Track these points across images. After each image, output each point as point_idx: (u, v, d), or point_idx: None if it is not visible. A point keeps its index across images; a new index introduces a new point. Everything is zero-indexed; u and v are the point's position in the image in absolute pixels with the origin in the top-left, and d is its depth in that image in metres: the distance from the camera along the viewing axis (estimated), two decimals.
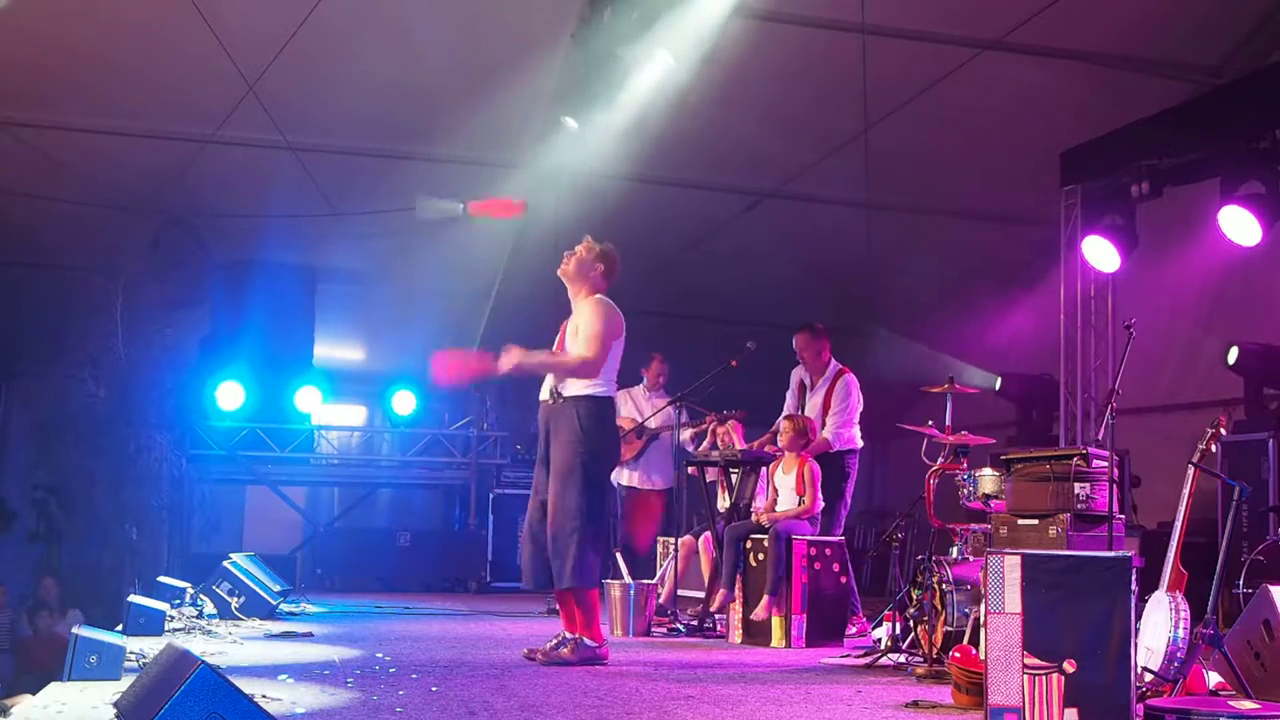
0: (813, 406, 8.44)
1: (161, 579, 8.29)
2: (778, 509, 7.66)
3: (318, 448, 13.70)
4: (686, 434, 9.29)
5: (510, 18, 9.92)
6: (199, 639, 6.84)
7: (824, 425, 8.30)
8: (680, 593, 8.65)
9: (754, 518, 7.71)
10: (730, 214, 12.31)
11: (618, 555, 8.33)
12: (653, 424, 9.75)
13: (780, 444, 7.86)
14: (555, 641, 6.28)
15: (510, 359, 6.19)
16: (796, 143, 11.32)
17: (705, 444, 9.02)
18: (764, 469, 8.05)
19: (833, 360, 8.56)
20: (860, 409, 8.42)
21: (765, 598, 7.32)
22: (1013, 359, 12.25)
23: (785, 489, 7.71)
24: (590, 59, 9.87)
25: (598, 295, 6.33)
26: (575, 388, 6.17)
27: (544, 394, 6.29)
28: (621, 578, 8.15)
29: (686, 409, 9.18)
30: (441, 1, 9.90)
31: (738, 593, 7.58)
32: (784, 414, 8.46)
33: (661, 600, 8.47)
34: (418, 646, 6.84)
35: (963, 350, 12.08)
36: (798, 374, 8.69)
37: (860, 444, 8.44)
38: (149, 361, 12.25)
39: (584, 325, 6.23)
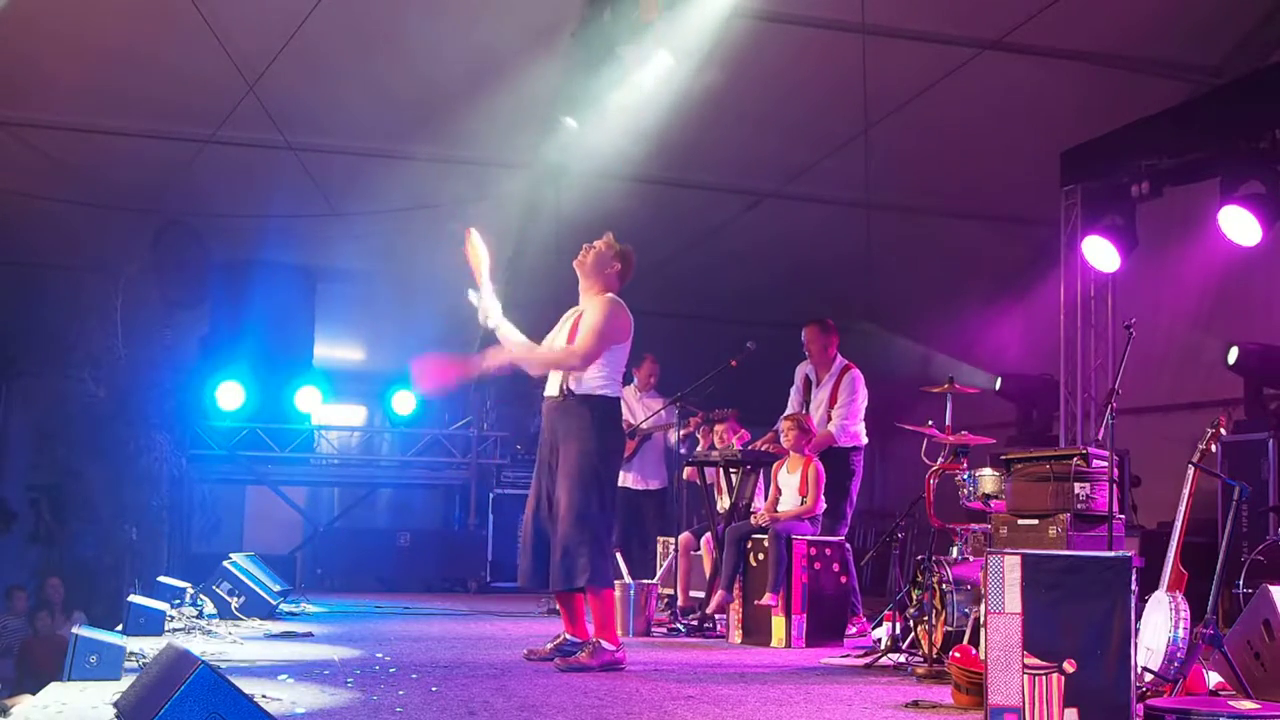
0: (818, 402, 8.45)
1: (161, 579, 8.28)
2: (779, 508, 7.66)
3: (318, 448, 13.71)
4: (673, 436, 9.30)
5: (510, 18, 9.93)
6: (199, 639, 6.83)
7: (829, 420, 8.30)
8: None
9: (753, 518, 7.71)
10: (730, 214, 12.31)
11: (617, 555, 8.32)
12: (646, 425, 9.75)
13: (784, 444, 7.84)
14: (556, 643, 6.24)
15: (497, 358, 6.16)
16: (796, 143, 11.33)
17: (703, 444, 9.02)
18: (763, 469, 8.06)
19: (839, 356, 8.56)
20: (866, 404, 8.43)
21: (768, 593, 7.33)
22: (1013, 359, 12.25)
23: (789, 488, 7.70)
24: (590, 59, 9.87)
25: (610, 294, 6.26)
26: (587, 386, 6.10)
27: (551, 390, 6.19)
28: (621, 578, 8.15)
29: (679, 409, 9.18)
30: (441, 1, 9.91)
31: (736, 592, 7.58)
32: (787, 412, 8.44)
33: (681, 604, 8.47)
34: (418, 646, 6.84)
35: (963, 350, 12.09)
36: (803, 369, 8.69)
37: (865, 440, 8.44)
38: (149, 361, 12.26)
39: (588, 319, 6.16)
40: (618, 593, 7.94)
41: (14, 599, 11.26)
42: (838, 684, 5.64)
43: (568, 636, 6.23)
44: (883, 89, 10.10)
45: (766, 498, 7.94)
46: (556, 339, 6.30)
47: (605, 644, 5.97)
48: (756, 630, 7.43)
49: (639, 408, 9.81)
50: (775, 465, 7.87)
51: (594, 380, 6.11)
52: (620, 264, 6.32)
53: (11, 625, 11.10)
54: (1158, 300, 10.37)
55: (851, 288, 12.04)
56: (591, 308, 6.22)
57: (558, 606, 6.60)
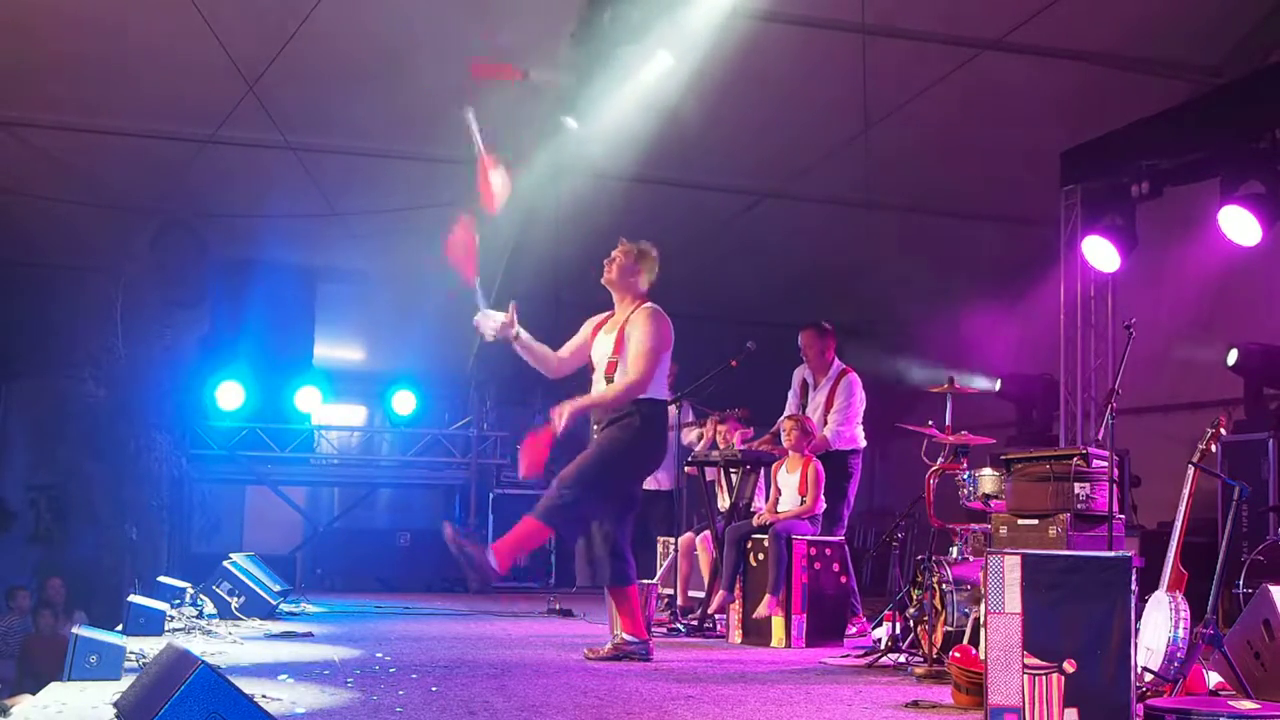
0: (815, 405, 8.44)
1: (161, 579, 8.28)
2: (780, 509, 7.66)
3: (318, 448, 13.71)
4: (693, 434, 9.29)
5: (510, 18, 9.93)
6: (199, 639, 6.83)
7: (825, 424, 8.30)
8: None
9: (755, 519, 7.71)
10: (730, 214, 12.31)
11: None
12: None
13: (785, 444, 7.84)
14: (615, 643, 6.28)
15: (564, 414, 6.14)
16: (796, 143, 11.33)
17: (703, 444, 9.02)
18: (763, 469, 8.05)
19: (836, 359, 8.56)
20: (863, 408, 8.42)
21: (768, 596, 7.33)
22: (1013, 359, 12.25)
23: (789, 488, 7.70)
24: (590, 59, 9.87)
25: (648, 305, 6.38)
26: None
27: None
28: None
29: (692, 409, 9.17)
30: (441, 1, 9.90)
31: (737, 592, 7.58)
32: (786, 414, 8.43)
33: (681, 603, 8.48)
34: (418, 646, 6.84)
35: (963, 350, 12.09)
36: (800, 373, 8.69)
37: (863, 444, 8.43)
38: (149, 361, 12.26)
39: (635, 341, 6.27)
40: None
41: (16, 598, 11.26)
42: (838, 684, 5.64)
43: (625, 635, 6.25)
44: (883, 89, 10.10)
45: (767, 498, 7.94)
46: (598, 349, 6.40)
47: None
48: (756, 630, 7.43)
49: None
50: (775, 465, 7.88)
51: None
52: (645, 264, 6.44)
53: (15, 626, 11.10)
54: (1158, 300, 10.37)
55: (851, 287, 12.04)
56: (635, 327, 6.30)
57: (559, 607, 6.63)
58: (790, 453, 7.81)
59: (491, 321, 6.33)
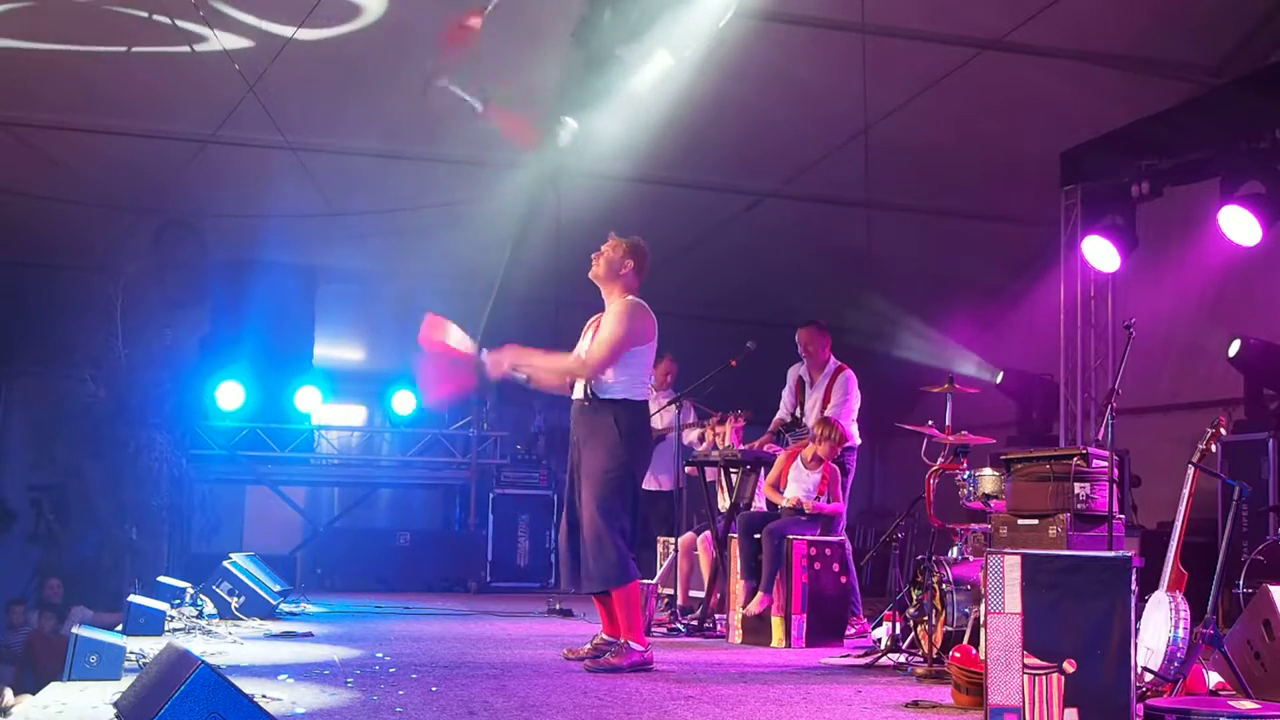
0: (812, 403, 8.45)
1: (161, 579, 8.27)
2: (787, 494, 7.64)
3: (318, 448, 13.69)
4: (694, 434, 9.29)
5: (510, 18, 9.92)
6: (199, 639, 6.83)
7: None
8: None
9: (778, 500, 7.66)
10: (730, 214, 12.31)
11: None
12: (657, 424, 9.73)
13: (821, 453, 7.74)
14: (595, 643, 6.23)
15: (504, 360, 6.13)
16: (796, 142, 11.33)
17: (705, 444, 9.02)
18: (763, 468, 8.04)
19: (832, 357, 8.56)
20: (859, 405, 8.42)
21: (760, 594, 7.33)
22: (1013, 358, 12.26)
23: (801, 482, 7.68)
24: (590, 59, 9.86)
25: (628, 298, 6.27)
26: (609, 390, 6.12)
27: (577, 393, 6.21)
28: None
29: (694, 409, 9.17)
30: (441, 1, 9.90)
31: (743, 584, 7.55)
32: (817, 418, 8.28)
33: (681, 603, 8.47)
34: (418, 646, 6.84)
35: (963, 350, 12.10)
36: (795, 371, 8.70)
37: (858, 441, 8.43)
38: (149, 361, 12.24)
39: (602, 329, 6.19)
40: None
41: (12, 614, 11.32)
42: (838, 684, 5.64)
43: (605, 636, 6.23)
44: (883, 89, 10.10)
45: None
46: (580, 346, 6.31)
47: (633, 644, 5.96)
48: (756, 630, 7.43)
49: (655, 407, 9.80)
50: (787, 455, 7.83)
51: (616, 384, 6.12)
52: (633, 260, 6.31)
53: (10, 640, 11.12)
54: (1158, 300, 10.37)
55: (851, 287, 12.03)
56: (608, 315, 6.23)
57: (562, 608, 6.59)
58: (815, 450, 7.76)
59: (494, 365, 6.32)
